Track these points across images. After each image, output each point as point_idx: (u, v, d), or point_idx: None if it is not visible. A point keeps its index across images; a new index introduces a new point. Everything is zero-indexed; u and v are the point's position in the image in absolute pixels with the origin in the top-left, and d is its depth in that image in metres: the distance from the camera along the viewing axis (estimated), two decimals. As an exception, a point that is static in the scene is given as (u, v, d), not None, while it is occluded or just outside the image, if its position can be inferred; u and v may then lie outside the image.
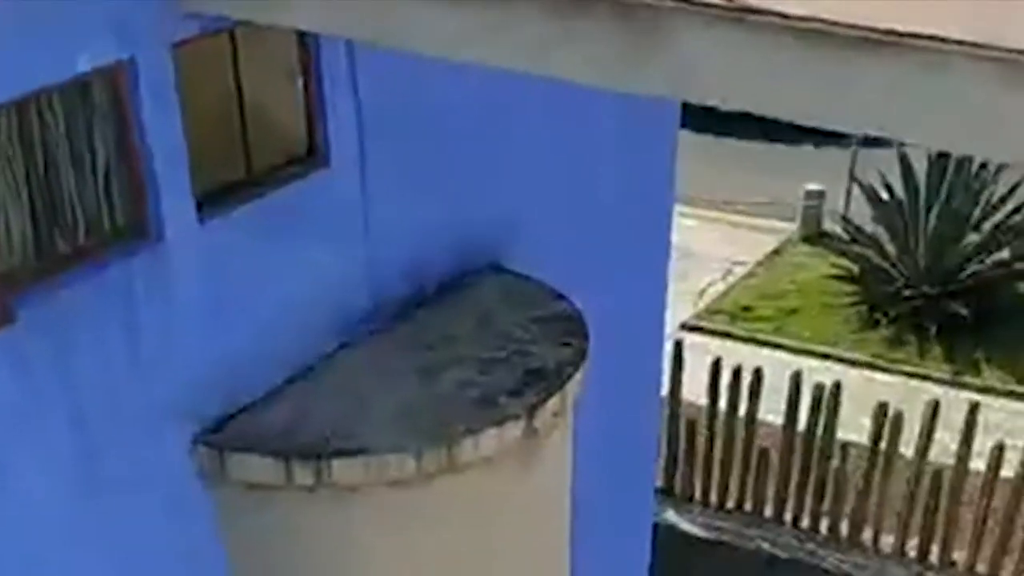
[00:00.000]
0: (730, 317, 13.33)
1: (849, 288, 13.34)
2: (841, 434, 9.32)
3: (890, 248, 13.16)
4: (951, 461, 8.91)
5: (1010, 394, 11.78)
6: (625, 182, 3.20)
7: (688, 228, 13.92)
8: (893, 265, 13.03)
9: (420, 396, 1.79)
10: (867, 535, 9.39)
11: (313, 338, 2.90)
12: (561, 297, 2.17)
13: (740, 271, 14.27)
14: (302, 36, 3.91)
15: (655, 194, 3.29)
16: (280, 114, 3.67)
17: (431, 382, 1.80)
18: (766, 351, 12.34)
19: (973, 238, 12.86)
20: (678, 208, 12.63)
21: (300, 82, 3.77)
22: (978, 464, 8.81)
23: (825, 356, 12.36)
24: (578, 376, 1.94)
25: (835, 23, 2.48)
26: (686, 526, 9.76)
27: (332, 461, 1.64)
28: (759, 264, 14.41)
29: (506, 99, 2.74)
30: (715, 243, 14.73)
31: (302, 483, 1.65)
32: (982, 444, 8.81)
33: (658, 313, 3.75)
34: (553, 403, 1.94)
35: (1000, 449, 8.65)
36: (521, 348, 2.00)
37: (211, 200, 3.71)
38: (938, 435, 8.96)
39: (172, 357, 3.52)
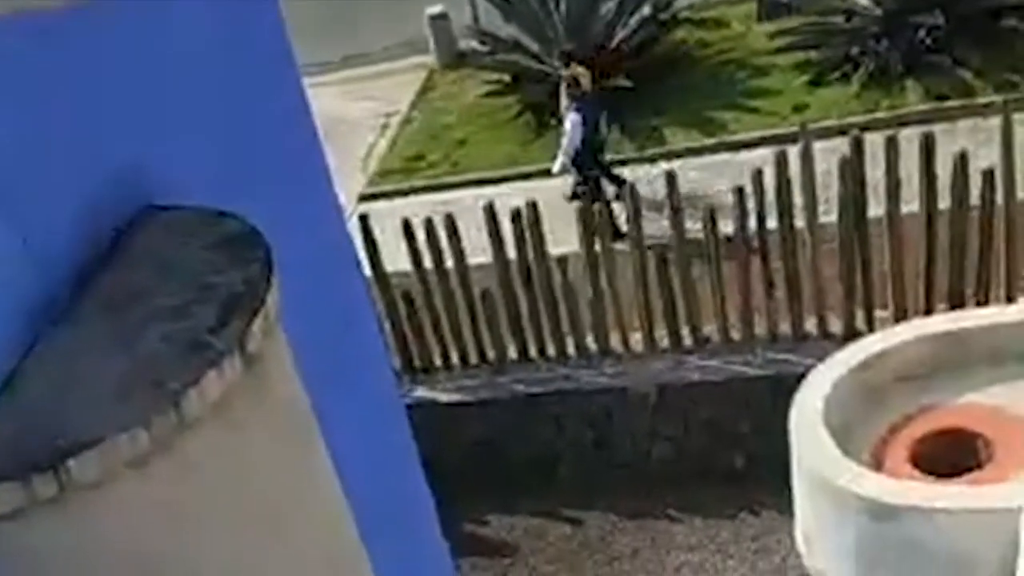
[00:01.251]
0: (403, 172, 13.50)
1: (508, 100, 13.70)
2: (554, 249, 9.67)
3: (531, 44, 13.52)
4: (667, 238, 9.41)
5: (701, 149, 12.45)
6: (242, 75, 3.20)
7: (331, 96, 13.94)
8: (540, 60, 13.40)
9: (128, 365, 1.82)
10: (615, 340, 9.85)
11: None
12: (225, 215, 2.20)
13: (396, 121, 14.43)
14: None
15: (279, 77, 3.30)
16: None
17: (134, 346, 1.83)
18: (450, 194, 12.58)
19: (609, 5, 13.37)
20: (314, 80, 12.65)
21: None
22: (697, 232, 9.27)
23: (508, 178, 12.68)
24: (273, 289, 1.99)
25: None
26: (438, 396, 10.02)
27: (68, 463, 1.66)
28: (412, 107, 14.59)
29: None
30: (362, 101, 14.81)
31: (45, 496, 1.66)
32: (692, 211, 9.31)
33: (329, 196, 3.81)
34: (259, 324, 1.99)
35: (710, 209, 9.15)
36: (207, 281, 2.04)
37: None
38: (645, 216, 9.40)
39: None
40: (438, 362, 10.19)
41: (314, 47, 11.77)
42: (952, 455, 2.52)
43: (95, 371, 1.85)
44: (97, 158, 2.19)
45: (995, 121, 9.08)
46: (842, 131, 10.52)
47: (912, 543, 2.31)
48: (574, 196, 11.27)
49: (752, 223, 9.07)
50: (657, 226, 9.58)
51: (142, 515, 1.86)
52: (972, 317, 2.83)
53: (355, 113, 14.55)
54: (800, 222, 9.03)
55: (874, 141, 9.05)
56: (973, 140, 10.15)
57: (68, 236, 2.09)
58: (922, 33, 12.46)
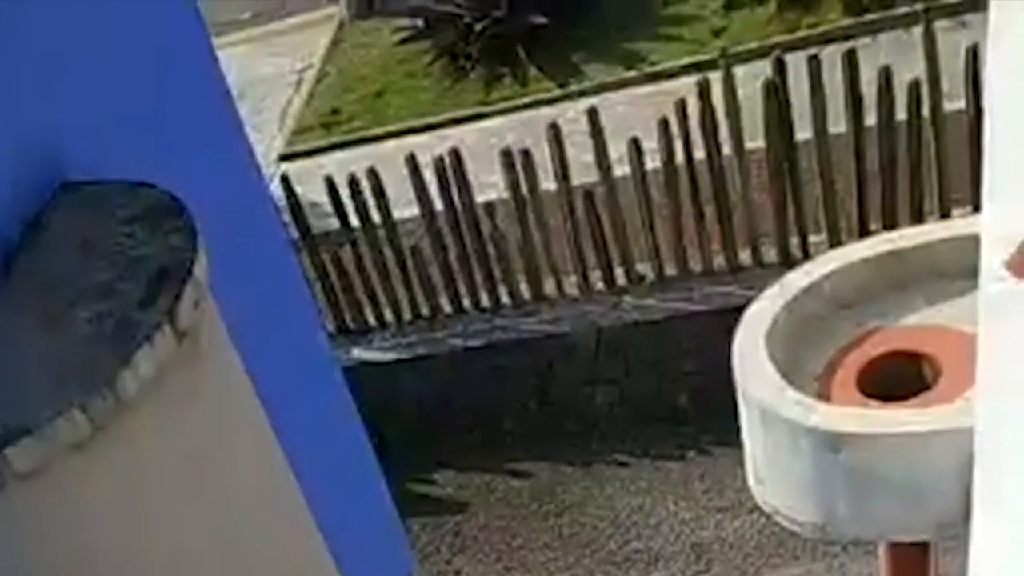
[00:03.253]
0: (322, 128, 13.41)
1: (423, 46, 13.62)
2: (480, 196, 9.66)
3: (443, -13, 13.45)
4: (594, 177, 9.43)
5: (623, 82, 12.46)
6: (148, 39, 3.17)
7: (242, 55, 13.80)
8: (453, 3, 13.33)
9: (59, 348, 1.81)
10: (550, 286, 9.88)
11: None
12: (142, 187, 2.18)
13: (310, 77, 14.30)
14: None
15: (186, 39, 3.27)
16: None
17: (63, 329, 1.82)
18: (372, 147, 12.52)
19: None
20: (223, 39, 12.50)
21: None
22: (624, 169, 9.31)
23: (431, 127, 12.64)
24: (200, 259, 1.98)
25: None
26: (375, 356, 10.02)
27: (5, 451, 1.65)
28: (326, 61, 14.47)
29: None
30: (274, 58, 14.67)
31: (-13, 487, 1.67)
32: (617, 148, 9.31)
33: (247, 158, 3.79)
34: (188, 296, 1.98)
35: (636, 144, 9.14)
36: (132, 256, 2.02)
37: None
38: (571, 155, 9.40)
39: None
40: (372, 321, 10.18)
41: (221, 5, 11.64)
42: (899, 378, 2.56)
43: (24, 358, 1.84)
44: (3, 135, 2.17)
45: (918, 32, 9.16)
46: (763, 53, 10.57)
47: (865, 471, 2.35)
48: None
49: (679, 154, 9.10)
50: (581, 167, 9.56)
51: (84, 500, 1.86)
52: (907, 236, 2.87)
53: (267, 71, 14.40)
54: (727, 150, 9.08)
55: (797, 61, 9.09)
56: (897, 53, 10.23)
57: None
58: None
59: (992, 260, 2.05)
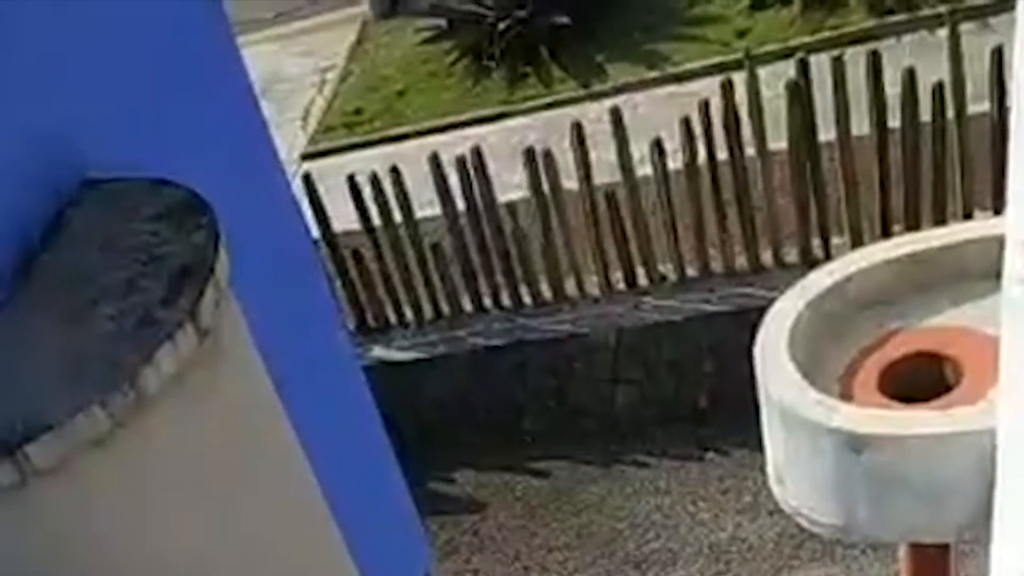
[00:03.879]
0: (345, 127, 13.42)
1: (446, 46, 13.63)
2: (502, 196, 9.66)
3: (464, -14, 13.44)
4: (618, 177, 9.41)
5: (646, 83, 12.43)
6: (174, 39, 3.18)
7: (266, 54, 13.83)
8: (477, 3, 13.33)
9: (81, 345, 1.81)
10: (571, 286, 9.87)
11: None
12: (166, 184, 2.19)
13: (333, 76, 14.33)
14: None
15: (212, 39, 3.28)
16: None
17: (85, 326, 1.82)
18: (394, 146, 12.53)
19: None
20: (247, 38, 12.52)
21: None
22: (646, 169, 9.26)
23: (453, 126, 12.64)
24: (222, 257, 1.98)
25: None
26: (395, 355, 10.02)
27: (26, 448, 1.65)
28: (349, 61, 14.49)
29: None
30: (298, 58, 14.70)
31: (9, 483, 1.66)
32: (639, 148, 9.30)
33: (270, 157, 3.80)
34: (210, 294, 1.99)
35: (658, 144, 9.12)
36: (154, 253, 2.03)
37: None
38: (594, 155, 9.39)
39: None
40: (393, 320, 10.18)
41: (246, 4, 11.65)
42: (921, 379, 2.54)
43: (46, 354, 1.84)
44: (28, 132, 2.17)
45: (942, 33, 9.12)
46: (787, 54, 10.54)
47: (886, 472, 2.33)
48: None
49: (701, 155, 9.08)
50: (605, 166, 9.54)
51: (103, 496, 1.86)
52: (930, 238, 2.85)
53: (291, 70, 14.43)
54: (750, 151, 9.05)
55: (820, 62, 9.06)
56: (921, 55, 10.19)
57: (5, 217, 2.08)
58: (862, -52, 12.47)
59: (1015, 262, 2.04)
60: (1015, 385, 1.98)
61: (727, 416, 8.70)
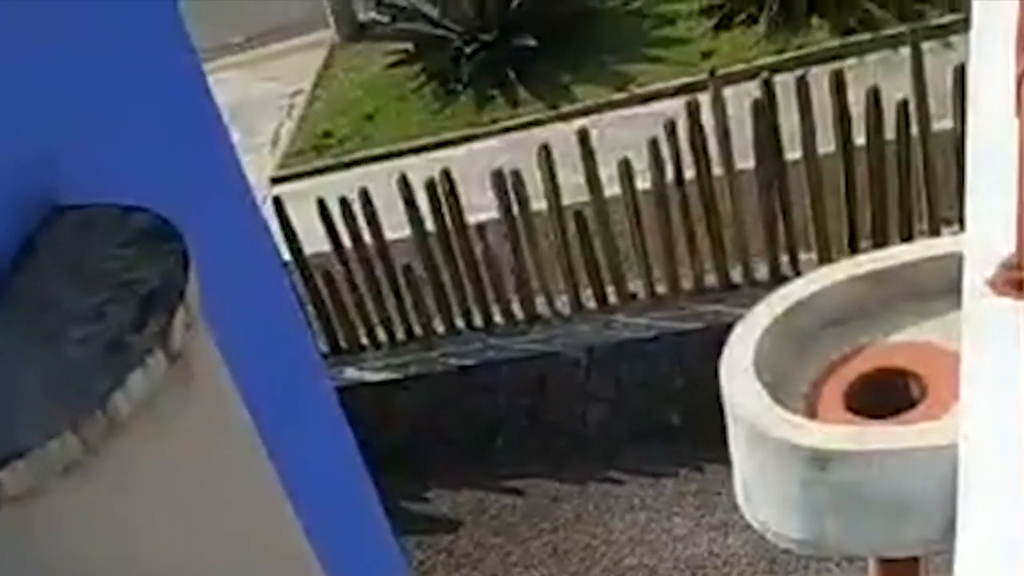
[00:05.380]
0: (314, 150, 13.44)
1: (413, 69, 13.67)
2: (472, 217, 9.68)
3: (431, 10, 13.48)
4: (584, 198, 9.43)
5: (613, 104, 12.49)
6: (137, 64, 3.18)
7: (234, 79, 13.83)
8: (444, 27, 13.37)
9: (51, 371, 1.81)
10: (541, 305, 9.89)
11: None
12: (134, 210, 2.19)
13: (302, 100, 14.34)
14: None
15: (177, 64, 3.28)
16: None
17: (55, 352, 1.82)
18: (362, 169, 12.56)
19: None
20: (214, 64, 12.51)
21: None
22: (615, 189, 9.29)
23: (421, 149, 12.67)
24: (192, 282, 1.98)
25: None
26: (368, 376, 10.02)
27: None
28: (316, 85, 14.51)
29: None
30: (266, 83, 14.71)
31: (-19, 510, 1.67)
32: (608, 168, 9.31)
33: (239, 181, 3.80)
34: (180, 319, 1.99)
35: (626, 164, 9.15)
36: (123, 279, 2.02)
37: None
38: (562, 176, 9.41)
39: None
40: (365, 341, 10.18)
41: (212, 30, 11.65)
42: (885, 396, 2.56)
43: (14, 380, 1.84)
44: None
45: (905, 52, 9.19)
46: (752, 74, 10.61)
47: (852, 488, 2.35)
48: None
49: (669, 174, 9.12)
50: (573, 187, 9.58)
51: (75, 524, 1.86)
52: (895, 255, 2.88)
53: (260, 95, 14.43)
54: (718, 170, 9.10)
55: (785, 82, 9.12)
56: (885, 73, 10.27)
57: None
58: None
59: (975, 278, 2.06)
60: (975, 400, 2.00)
61: (700, 432, 8.70)
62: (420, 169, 10.62)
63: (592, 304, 9.81)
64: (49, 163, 2.30)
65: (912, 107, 8.69)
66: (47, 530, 1.81)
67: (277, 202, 9.68)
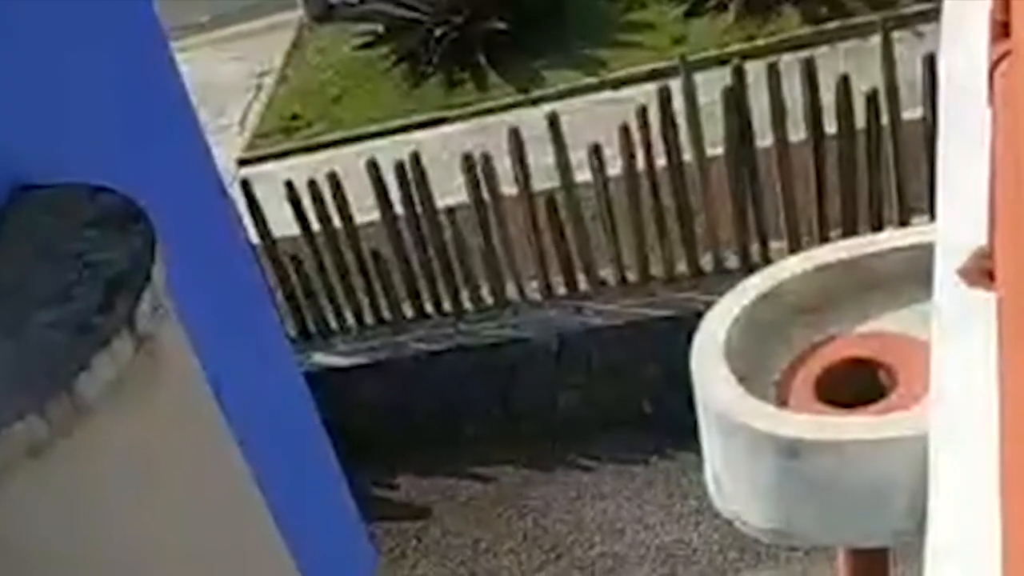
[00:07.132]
0: (282, 132, 13.37)
1: (383, 51, 13.61)
2: (441, 201, 9.64)
3: (401, -9, 13.43)
4: (555, 183, 9.42)
5: (583, 89, 12.48)
6: (106, 44, 3.16)
7: (201, 59, 13.74)
8: (414, 8, 13.32)
9: (16, 353, 1.80)
10: (511, 291, 9.88)
11: None
12: (101, 190, 2.17)
13: (270, 81, 14.27)
14: None
15: (145, 44, 3.26)
16: None
17: (21, 335, 1.81)
18: (331, 152, 12.50)
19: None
20: (182, 43, 12.43)
21: None
22: (585, 175, 9.28)
23: (391, 131, 12.63)
24: (159, 263, 1.97)
25: None
26: (337, 360, 10.00)
27: (-37, 457, 1.65)
28: (285, 66, 14.43)
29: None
30: (233, 63, 14.62)
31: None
32: (578, 154, 9.29)
33: (206, 163, 3.79)
34: (146, 301, 1.98)
35: (596, 150, 9.15)
36: (90, 260, 2.01)
37: None
38: (532, 161, 9.39)
39: None
40: (334, 325, 10.15)
41: (179, 8, 11.59)
42: (856, 385, 2.57)
43: (-18, 364, 1.83)
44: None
45: (876, 40, 9.22)
46: (723, 61, 10.61)
47: (822, 478, 2.36)
48: None
49: (640, 161, 9.12)
50: (543, 172, 9.56)
51: (42, 506, 1.85)
52: (864, 244, 2.89)
53: (227, 75, 14.35)
54: (688, 157, 9.10)
55: (756, 69, 9.13)
56: (855, 62, 10.29)
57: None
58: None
59: (945, 268, 2.07)
60: (945, 391, 2.01)
61: (671, 420, 8.73)
62: (389, 152, 10.58)
63: (563, 290, 9.79)
64: (15, 143, 2.29)
65: (883, 96, 8.71)
66: (14, 511, 1.81)
67: (245, 184, 9.63)
